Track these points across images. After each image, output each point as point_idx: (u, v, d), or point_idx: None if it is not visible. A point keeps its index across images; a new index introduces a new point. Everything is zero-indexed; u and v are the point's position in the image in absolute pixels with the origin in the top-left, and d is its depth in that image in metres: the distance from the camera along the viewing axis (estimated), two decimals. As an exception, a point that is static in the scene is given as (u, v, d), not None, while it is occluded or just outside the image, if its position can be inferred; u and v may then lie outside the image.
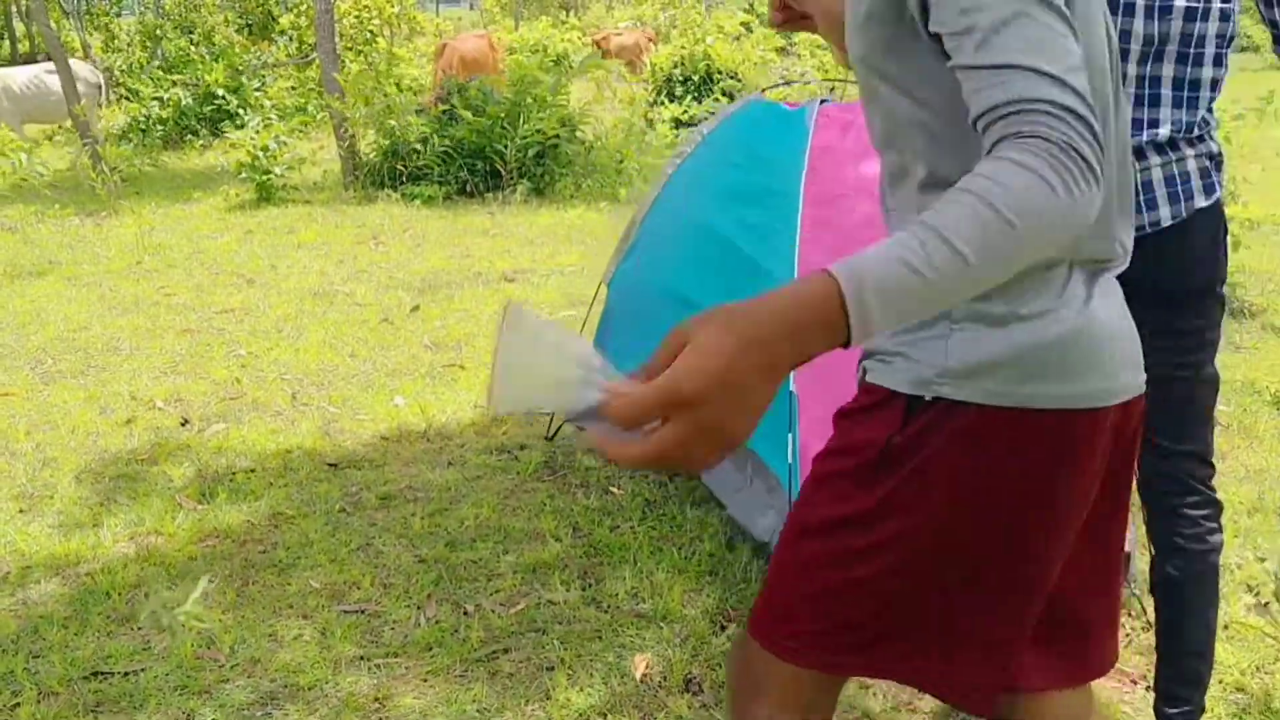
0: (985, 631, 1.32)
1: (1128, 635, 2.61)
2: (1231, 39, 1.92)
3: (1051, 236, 0.97)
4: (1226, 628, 2.62)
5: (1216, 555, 2.03)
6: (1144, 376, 1.31)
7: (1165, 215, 1.92)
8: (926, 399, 1.24)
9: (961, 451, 1.24)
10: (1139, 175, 1.92)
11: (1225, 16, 1.90)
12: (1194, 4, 1.86)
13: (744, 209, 3.04)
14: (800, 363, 0.94)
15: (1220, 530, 2.05)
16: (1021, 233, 0.95)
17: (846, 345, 0.94)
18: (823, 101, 3.09)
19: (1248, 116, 6.45)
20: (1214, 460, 2.03)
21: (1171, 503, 2.02)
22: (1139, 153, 1.92)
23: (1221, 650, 2.53)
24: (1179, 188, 1.92)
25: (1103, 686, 2.42)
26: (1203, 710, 2.09)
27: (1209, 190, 1.94)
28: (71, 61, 11.76)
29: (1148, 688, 2.43)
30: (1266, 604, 2.70)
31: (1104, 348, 1.24)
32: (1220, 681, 2.44)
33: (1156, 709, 2.12)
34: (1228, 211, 5.16)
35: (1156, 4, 1.86)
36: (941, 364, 1.23)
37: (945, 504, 1.26)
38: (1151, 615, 2.61)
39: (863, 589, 1.31)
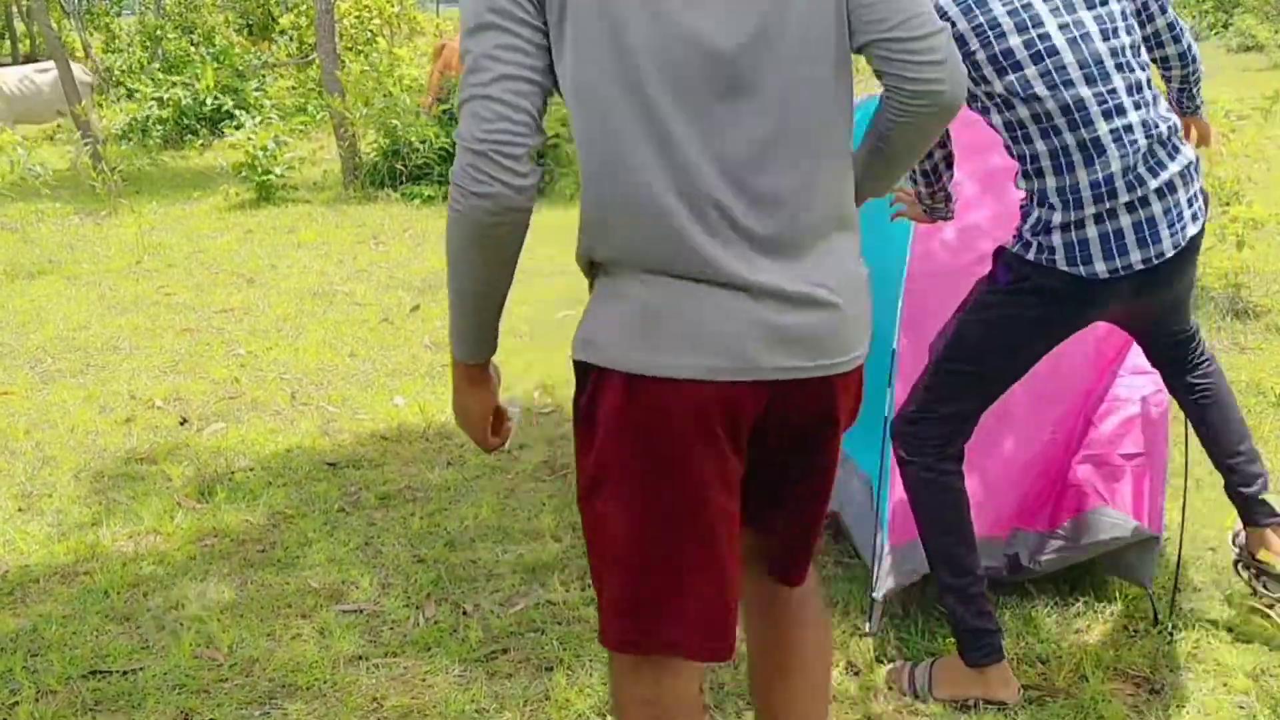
0: (706, 583, 1.48)
1: (1132, 635, 2.60)
2: (1139, 46, 2.22)
3: (463, 252, 1.40)
4: (1231, 629, 2.60)
5: (1225, 379, 2.57)
6: (786, 364, 1.43)
7: (1168, 247, 2.17)
8: (577, 359, 1.49)
9: (606, 409, 1.44)
10: (1143, 214, 2.14)
11: (1130, 30, 2.19)
12: (1103, 25, 2.14)
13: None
14: (470, 384, 1.54)
15: None
16: (450, 259, 1.42)
17: (475, 366, 1.52)
18: None
19: (1253, 116, 6.43)
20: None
21: (1196, 374, 2.52)
22: (1143, 201, 2.13)
23: (1226, 652, 2.52)
24: (1176, 225, 2.18)
25: (1104, 688, 2.41)
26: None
27: (1195, 217, 2.22)
28: None
29: (1151, 690, 2.42)
30: (1271, 606, 2.69)
31: (679, 329, 1.40)
32: (1225, 684, 2.42)
33: (1237, 501, 2.56)
34: (1231, 211, 5.15)
35: (1076, 35, 2.12)
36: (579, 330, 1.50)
37: (614, 455, 1.45)
38: (1161, 615, 2.63)
39: (615, 546, 1.48)
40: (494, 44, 1.34)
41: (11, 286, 6.59)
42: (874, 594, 2.60)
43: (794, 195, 1.42)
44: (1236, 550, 2.67)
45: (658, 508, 1.44)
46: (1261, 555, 2.55)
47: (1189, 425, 2.59)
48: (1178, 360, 2.51)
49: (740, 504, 1.51)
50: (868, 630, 2.61)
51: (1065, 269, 2.16)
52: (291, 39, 16.04)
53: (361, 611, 2.85)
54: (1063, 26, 2.12)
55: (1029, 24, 2.11)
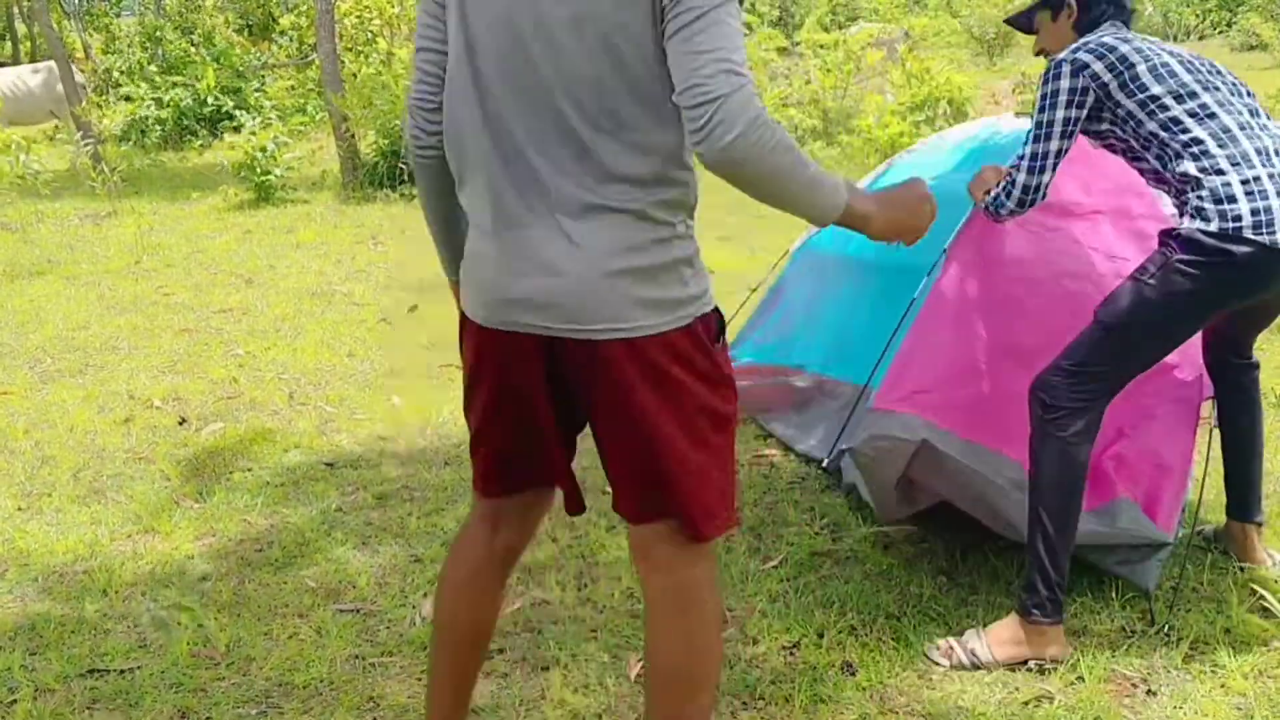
0: (486, 448, 1.92)
1: (1129, 637, 2.60)
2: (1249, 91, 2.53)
3: (417, 182, 1.93)
4: (1229, 631, 2.60)
5: (1260, 393, 2.86)
6: (518, 320, 1.72)
7: None
8: None
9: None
10: None
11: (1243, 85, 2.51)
12: (1210, 67, 2.50)
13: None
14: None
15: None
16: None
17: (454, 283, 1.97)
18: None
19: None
20: None
21: (1240, 377, 2.83)
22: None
23: (1223, 654, 2.51)
24: None
25: (1103, 690, 2.41)
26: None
27: None
28: (50, 64, 11.77)
29: (1148, 691, 2.42)
30: (1269, 607, 2.69)
31: (473, 276, 1.78)
32: (1222, 686, 2.42)
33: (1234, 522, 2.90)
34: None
35: (1188, 63, 2.47)
36: None
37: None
38: (1158, 617, 2.62)
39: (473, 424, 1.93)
40: (421, 24, 1.81)
41: (11, 286, 6.59)
42: (841, 445, 2.84)
43: (561, 180, 1.65)
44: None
45: (469, 398, 1.90)
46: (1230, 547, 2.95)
47: (1211, 434, 2.86)
48: (1238, 357, 2.81)
49: (540, 419, 1.83)
50: (824, 465, 2.97)
51: (1252, 236, 2.25)
52: (291, 39, 16.04)
53: (359, 611, 2.85)
54: (1181, 62, 2.46)
55: (1151, 55, 2.44)
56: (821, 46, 12.19)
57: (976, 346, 2.85)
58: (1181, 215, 2.37)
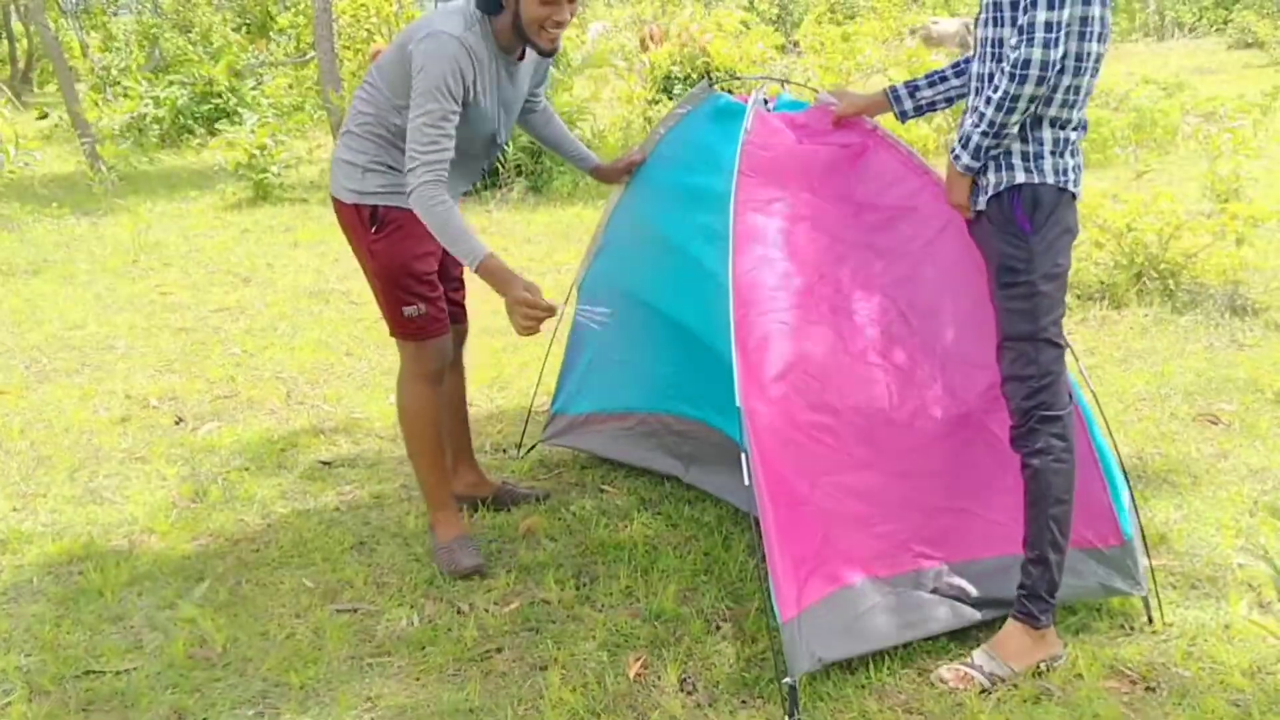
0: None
1: (1128, 634, 2.60)
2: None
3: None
4: (1228, 627, 2.60)
5: None
6: None
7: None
8: None
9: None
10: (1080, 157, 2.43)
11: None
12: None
13: (697, 214, 2.87)
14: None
15: None
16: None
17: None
18: (766, 100, 2.92)
19: (1252, 113, 6.40)
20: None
21: None
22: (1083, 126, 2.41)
23: (1222, 650, 2.51)
24: None
25: (1100, 687, 2.40)
26: None
27: None
28: None
29: (1147, 688, 2.41)
30: (1267, 604, 2.68)
31: None
32: (1221, 682, 2.42)
33: None
34: (1231, 208, 5.14)
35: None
36: None
37: None
38: (1154, 614, 2.61)
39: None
40: None
41: (7, 285, 6.57)
42: (787, 679, 2.30)
43: None
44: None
45: None
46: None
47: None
48: None
49: None
50: None
51: (1074, 190, 2.37)
52: (289, 38, 16.02)
53: (356, 610, 2.84)
54: None
55: None
56: (822, 43, 12.16)
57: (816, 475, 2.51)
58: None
